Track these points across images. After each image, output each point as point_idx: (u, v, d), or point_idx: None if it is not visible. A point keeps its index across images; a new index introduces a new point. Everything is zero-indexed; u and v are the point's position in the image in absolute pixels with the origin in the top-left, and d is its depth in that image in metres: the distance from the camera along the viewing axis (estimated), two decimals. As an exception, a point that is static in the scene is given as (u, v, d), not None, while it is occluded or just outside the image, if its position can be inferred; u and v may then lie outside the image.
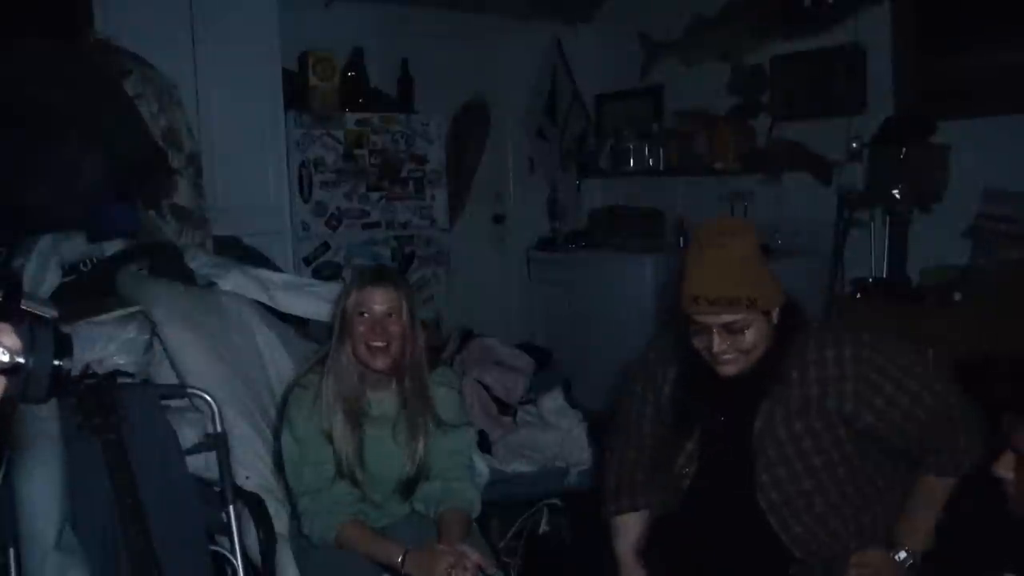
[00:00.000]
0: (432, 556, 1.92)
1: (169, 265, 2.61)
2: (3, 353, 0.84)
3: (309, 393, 2.06)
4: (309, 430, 2.04)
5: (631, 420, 2.03)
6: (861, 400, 1.75)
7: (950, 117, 3.46)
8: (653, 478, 1.98)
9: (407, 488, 2.11)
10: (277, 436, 2.19)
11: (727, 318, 1.72)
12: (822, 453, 1.78)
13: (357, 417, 2.06)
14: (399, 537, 2.04)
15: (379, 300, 2.02)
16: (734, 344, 1.74)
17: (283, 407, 2.15)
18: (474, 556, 1.92)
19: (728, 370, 1.77)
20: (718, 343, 1.74)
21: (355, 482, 2.06)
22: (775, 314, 1.79)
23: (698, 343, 1.79)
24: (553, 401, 3.06)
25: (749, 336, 1.73)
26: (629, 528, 1.99)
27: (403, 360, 2.05)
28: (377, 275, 2.08)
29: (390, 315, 2.02)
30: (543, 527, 2.91)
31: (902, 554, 1.78)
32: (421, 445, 2.08)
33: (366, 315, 2.01)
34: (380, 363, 2.03)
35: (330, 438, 2.04)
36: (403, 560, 1.93)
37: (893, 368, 1.75)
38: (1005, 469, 1.46)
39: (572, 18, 5.09)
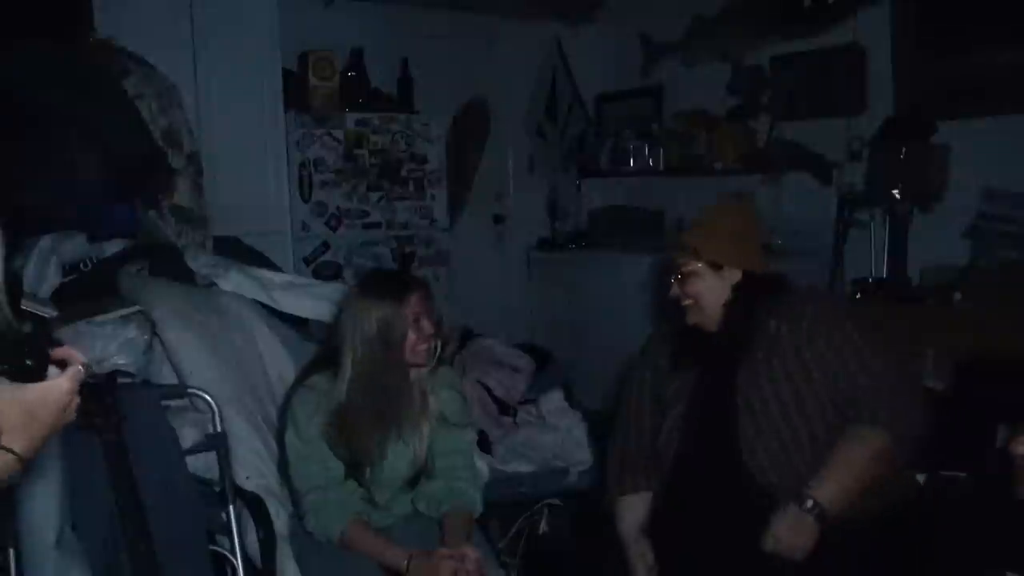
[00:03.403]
0: (434, 560, 1.94)
1: (169, 265, 2.61)
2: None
3: (315, 395, 2.06)
4: (315, 430, 2.05)
5: (632, 408, 2.13)
6: (819, 352, 1.89)
7: (950, 117, 3.46)
8: (655, 463, 2.05)
9: (411, 484, 2.13)
10: (279, 436, 2.20)
11: (678, 262, 2.01)
12: (795, 395, 1.89)
13: (400, 420, 2.08)
14: (401, 537, 2.05)
15: (425, 300, 2.08)
16: (684, 290, 2.00)
17: (285, 407, 2.15)
18: (474, 555, 1.93)
19: (689, 317, 2.02)
20: (674, 287, 2.03)
21: (361, 482, 2.07)
22: (729, 273, 1.97)
23: (671, 293, 2.04)
24: (553, 401, 3.06)
25: (694, 283, 1.99)
26: (633, 510, 2.05)
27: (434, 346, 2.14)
28: (410, 281, 2.13)
29: (432, 309, 2.10)
30: (543, 527, 2.91)
31: (808, 503, 1.81)
32: (424, 442, 2.10)
33: (421, 321, 2.05)
34: (428, 356, 2.10)
35: (335, 441, 2.04)
36: (408, 564, 1.95)
37: (856, 333, 1.89)
38: None
39: (572, 18, 5.09)
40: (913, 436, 1.85)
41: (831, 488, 1.80)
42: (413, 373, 2.11)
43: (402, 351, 2.04)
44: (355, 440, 2.05)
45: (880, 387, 1.85)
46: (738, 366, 1.93)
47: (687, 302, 2.00)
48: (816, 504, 1.79)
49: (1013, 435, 1.55)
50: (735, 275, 1.97)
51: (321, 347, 2.33)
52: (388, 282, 2.13)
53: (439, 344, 2.14)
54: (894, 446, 1.83)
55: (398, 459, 2.10)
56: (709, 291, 1.98)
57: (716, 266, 1.97)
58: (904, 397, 1.87)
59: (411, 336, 2.04)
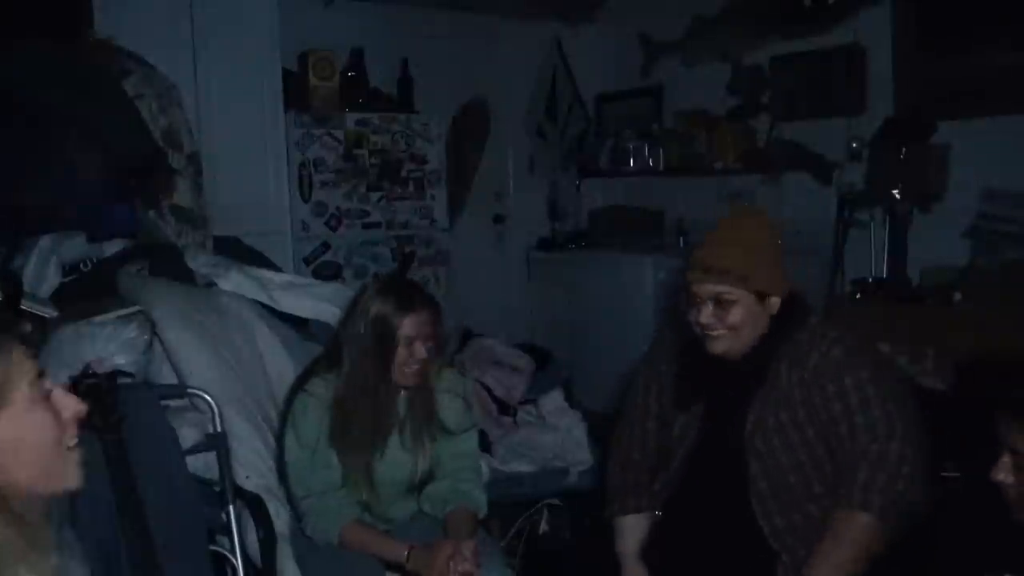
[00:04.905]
0: (433, 550, 1.94)
1: (169, 265, 2.61)
2: None
3: (315, 400, 2.05)
4: (315, 436, 2.04)
5: (635, 419, 2.04)
6: (826, 398, 1.77)
7: (950, 117, 3.46)
8: (656, 480, 1.98)
9: (412, 491, 2.13)
10: (278, 438, 2.19)
11: (718, 288, 1.76)
12: (806, 445, 1.78)
13: (387, 429, 2.06)
14: (403, 538, 2.04)
15: (427, 324, 2.01)
16: (721, 319, 1.78)
17: (286, 411, 2.14)
18: (472, 544, 1.93)
19: (715, 346, 1.81)
20: (706, 314, 1.78)
21: (360, 484, 2.06)
22: (772, 302, 1.80)
23: (692, 316, 1.82)
24: (553, 401, 3.06)
25: (736, 313, 1.77)
26: (633, 529, 1.99)
27: (430, 371, 2.07)
28: (422, 299, 2.05)
29: (434, 336, 2.03)
30: (543, 527, 2.91)
31: None
32: (427, 450, 2.09)
33: (415, 344, 1.99)
34: (415, 380, 2.04)
35: (336, 447, 2.04)
36: (408, 556, 1.95)
37: (870, 387, 1.75)
38: (1004, 473, 1.42)
39: (572, 18, 5.09)
40: (908, 517, 1.72)
41: (829, 571, 1.71)
42: (403, 389, 2.08)
43: (389, 362, 2.00)
44: (348, 438, 2.03)
45: (881, 470, 1.71)
46: (751, 401, 1.81)
47: (720, 332, 1.78)
48: None
49: (993, 464, 1.47)
50: (775, 304, 1.80)
51: (325, 346, 2.33)
52: (399, 289, 2.06)
53: (434, 371, 2.08)
54: (885, 529, 1.73)
55: (398, 467, 2.09)
56: (751, 321, 1.78)
57: (761, 295, 1.79)
58: (903, 481, 1.71)
59: (401, 351, 1.99)
